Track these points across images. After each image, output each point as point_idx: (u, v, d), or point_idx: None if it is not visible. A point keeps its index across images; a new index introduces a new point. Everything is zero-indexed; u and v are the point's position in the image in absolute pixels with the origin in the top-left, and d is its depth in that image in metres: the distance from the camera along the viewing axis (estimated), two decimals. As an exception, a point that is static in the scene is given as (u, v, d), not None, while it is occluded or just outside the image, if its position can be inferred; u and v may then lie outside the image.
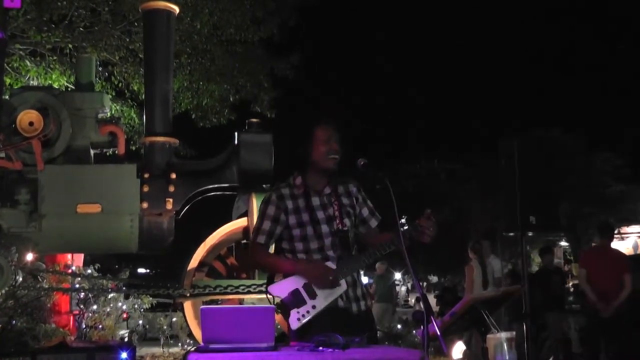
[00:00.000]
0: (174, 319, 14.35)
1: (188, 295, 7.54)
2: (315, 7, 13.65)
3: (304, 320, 3.47)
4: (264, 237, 3.64)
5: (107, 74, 12.52)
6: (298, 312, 3.48)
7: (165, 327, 13.50)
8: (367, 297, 3.75)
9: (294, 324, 3.47)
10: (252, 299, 7.45)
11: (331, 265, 3.56)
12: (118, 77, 12.52)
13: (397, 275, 29.76)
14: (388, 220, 3.67)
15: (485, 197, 17.17)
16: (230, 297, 7.55)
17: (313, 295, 3.51)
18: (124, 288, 9.43)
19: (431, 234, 3.53)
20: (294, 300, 3.50)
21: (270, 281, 3.67)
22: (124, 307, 10.48)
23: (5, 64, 9.20)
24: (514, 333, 8.48)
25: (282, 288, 3.55)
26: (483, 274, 9.79)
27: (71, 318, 8.76)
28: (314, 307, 3.49)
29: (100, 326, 9.27)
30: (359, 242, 3.81)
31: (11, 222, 7.39)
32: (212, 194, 8.27)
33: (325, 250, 3.62)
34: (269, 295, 3.56)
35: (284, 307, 3.52)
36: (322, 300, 3.52)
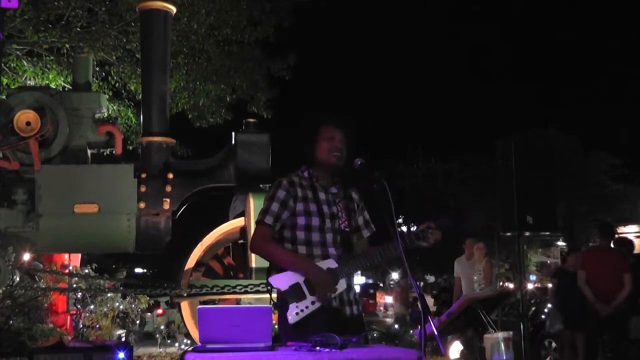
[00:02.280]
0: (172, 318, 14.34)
1: (185, 295, 7.53)
2: (311, 8, 13.64)
3: (302, 315, 3.48)
4: (271, 218, 3.61)
5: (104, 74, 12.51)
6: (297, 307, 3.48)
7: (162, 327, 13.51)
8: (359, 302, 3.78)
9: (292, 318, 3.47)
10: (249, 299, 7.45)
11: (332, 263, 3.58)
12: (115, 77, 12.51)
13: (395, 276, 29.78)
14: (384, 221, 3.68)
15: (483, 196, 17.21)
16: (227, 297, 7.55)
17: (313, 292, 3.51)
18: (121, 288, 9.43)
19: (436, 240, 3.59)
20: (294, 294, 3.50)
21: (271, 271, 3.67)
22: (120, 307, 10.46)
23: (2, 64, 9.19)
24: (511, 333, 8.49)
25: (283, 280, 3.54)
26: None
27: (68, 318, 8.75)
28: (313, 302, 3.50)
29: (97, 326, 9.26)
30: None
31: (8, 222, 7.39)
32: (209, 193, 8.27)
33: (327, 245, 3.65)
34: (269, 287, 3.57)
35: (283, 299, 3.53)
36: None
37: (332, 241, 3.65)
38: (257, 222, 3.68)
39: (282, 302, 3.53)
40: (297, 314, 3.48)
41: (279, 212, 3.62)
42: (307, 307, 3.49)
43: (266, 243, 3.65)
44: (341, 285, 3.58)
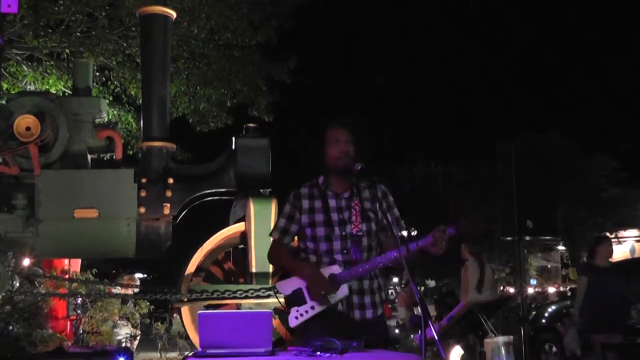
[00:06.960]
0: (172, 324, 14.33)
1: (185, 300, 7.52)
2: (312, 10, 13.66)
3: (302, 320, 3.56)
4: (277, 233, 3.79)
5: (104, 78, 12.50)
6: (297, 311, 3.58)
7: (162, 332, 13.48)
8: (380, 305, 3.73)
9: (292, 322, 3.58)
10: (250, 304, 7.44)
11: (336, 269, 3.60)
12: (115, 82, 12.50)
13: (395, 279, 29.74)
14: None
15: (483, 201, 17.18)
16: (228, 301, 7.54)
17: (313, 297, 3.58)
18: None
19: (443, 247, 3.54)
20: (295, 298, 3.59)
21: (283, 278, 3.82)
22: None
23: (2, 69, 9.20)
24: (512, 337, 8.47)
25: (287, 285, 3.66)
26: (480, 276, 9.70)
27: (68, 323, 8.73)
28: (312, 307, 3.57)
29: (97, 331, 9.24)
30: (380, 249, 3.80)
31: (8, 227, 7.39)
32: (210, 198, 8.27)
33: (333, 253, 3.65)
34: (275, 292, 3.75)
35: (286, 303, 3.64)
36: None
37: (340, 248, 3.66)
38: (270, 236, 3.87)
39: (287, 307, 3.64)
40: (296, 317, 3.57)
41: (285, 226, 3.77)
42: (306, 312, 3.56)
43: (276, 254, 3.85)
44: (342, 290, 3.58)
